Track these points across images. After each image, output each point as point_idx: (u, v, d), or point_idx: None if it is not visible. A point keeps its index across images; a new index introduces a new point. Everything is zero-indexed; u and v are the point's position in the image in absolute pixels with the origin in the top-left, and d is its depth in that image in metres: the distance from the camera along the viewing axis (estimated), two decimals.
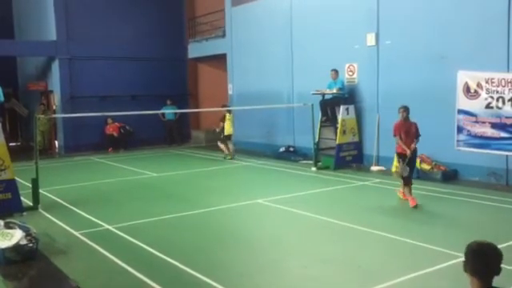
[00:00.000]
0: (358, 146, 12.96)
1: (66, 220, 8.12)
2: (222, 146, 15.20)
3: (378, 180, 10.99)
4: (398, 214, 8.12)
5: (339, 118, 12.65)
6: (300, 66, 14.85)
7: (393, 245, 6.56)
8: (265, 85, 16.10)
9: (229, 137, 15.14)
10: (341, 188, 10.48)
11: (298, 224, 7.78)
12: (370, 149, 12.78)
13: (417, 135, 8.87)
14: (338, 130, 12.60)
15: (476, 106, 10.16)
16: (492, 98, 9.87)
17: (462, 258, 2.63)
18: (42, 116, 14.82)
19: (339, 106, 12.72)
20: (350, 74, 13.20)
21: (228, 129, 15.01)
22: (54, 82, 18.18)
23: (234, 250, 6.54)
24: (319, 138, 13.18)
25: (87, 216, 8.41)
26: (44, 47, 18.02)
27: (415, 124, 8.91)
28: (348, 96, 12.95)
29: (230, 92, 17.87)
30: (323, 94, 13.03)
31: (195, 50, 19.99)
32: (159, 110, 17.57)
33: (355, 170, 12.40)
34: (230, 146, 15.15)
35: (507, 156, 9.88)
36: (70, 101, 17.67)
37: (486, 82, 9.93)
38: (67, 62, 17.76)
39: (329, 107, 13.07)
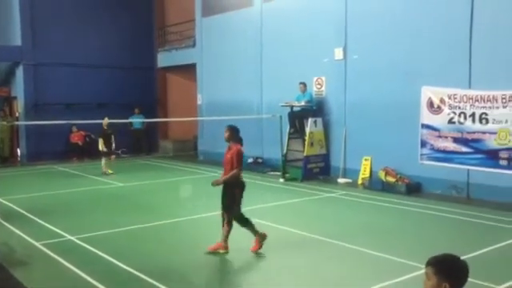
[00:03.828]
0: (326, 158, 13.11)
1: (26, 230, 7.88)
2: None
3: (344, 192, 11.12)
4: (363, 226, 8.23)
5: (307, 130, 12.79)
6: (269, 78, 14.96)
7: (357, 256, 6.63)
8: (234, 95, 16.13)
9: (103, 153, 14.17)
10: (308, 199, 10.56)
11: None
12: (336, 161, 12.94)
13: (231, 165, 6.53)
14: (306, 142, 12.73)
15: (439, 120, 10.47)
16: (454, 113, 10.20)
17: (424, 270, 2.66)
18: (4, 123, 14.39)
19: (307, 119, 12.87)
20: (318, 87, 13.38)
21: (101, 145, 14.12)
22: (18, 88, 17.71)
23: (200, 262, 6.48)
24: (287, 149, 13.27)
25: (49, 226, 8.18)
26: (8, 52, 17.56)
27: (234, 149, 6.61)
28: (316, 108, 13.12)
29: (199, 102, 17.83)
30: (292, 106, 13.15)
31: (164, 59, 19.88)
32: (127, 118, 17.35)
33: (322, 181, 12.52)
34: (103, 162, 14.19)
35: (468, 170, 10.17)
36: (34, 108, 17.24)
37: (449, 98, 10.25)
38: (32, 69, 17.36)
39: (297, 119, 13.19)
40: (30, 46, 17.29)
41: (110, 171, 14.06)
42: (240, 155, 6.58)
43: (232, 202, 6.58)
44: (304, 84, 12.96)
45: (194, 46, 18.08)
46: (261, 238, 6.69)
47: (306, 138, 12.76)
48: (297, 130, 13.29)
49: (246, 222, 6.67)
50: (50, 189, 11.76)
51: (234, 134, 6.72)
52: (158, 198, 11.03)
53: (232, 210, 6.58)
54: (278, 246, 7.15)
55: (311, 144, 12.78)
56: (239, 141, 6.77)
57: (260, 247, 6.66)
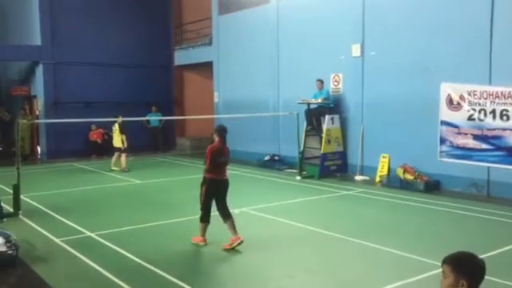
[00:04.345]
0: (343, 155, 13.03)
1: (47, 227, 8.00)
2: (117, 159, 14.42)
3: (361, 190, 11.05)
4: (381, 224, 8.17)
5: (324, 127, 12.74)
6: (286, 76, 14.93)
7: (375, 254, 6.59)
8: (251, 93, 16.13)
9: (117, 149, 14.37)
10: (325, 197, 10.52)
11: (283, 233, 7.77)
12: (354, 158, 12.86)
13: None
14: (323, 140, 12.68)
15: (458, 117, 10.32)
16: (474, 110, 10.04)
17: (443, 268, 2.63)
18: (24, 121, 14.62)
19: (324, 116, 12.81)
20: (336, 84, 13.30)
21: (115, 142, 14.41)
22: (38, 87, 17.99)
23: (219, 259, 6.51)
24: (304, 147, 13.24)
25: (69, 223, 8.30)
26: (28, 51, 17.83)
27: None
28: (333, 106, 13.05)
29: (215, 100, 17.88)
30: (309, 104, 13.11)
31: (181, 57, 19.98)
32: (144, 116, 17.49)
33: (339, 179, 12.45)
34: (115, 158, 14.39)
35: (488, 167, 10.02)
36: (54, 106, 17.49)
37: (469, 95, 10.10)
38: (51, 67, 17.60)
39: (314, 117, 13.15)
40: (50, 45, 17.52)
41: (116, 168, 14.28)
42: (209, 153, 6.87)
43: (200, 197, 6.91)
44: (321, 81, 12.90)
45: (210, 43, 18.13)
46: (202, 240, 6.87)
47: (323, 135, 12.70)
48: (314, 128, 13.24)
49: (203, 219, 6.86)
50: (69, 186, 11.91)
51: (219, 135, 7.10)
52: (177, 195, 11.10)
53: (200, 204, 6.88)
54: (295, 243, 7.15)
55: (328, 141, 12.73)
56: (222, 139, 7.14)
57: (195, 243, 6.85)
